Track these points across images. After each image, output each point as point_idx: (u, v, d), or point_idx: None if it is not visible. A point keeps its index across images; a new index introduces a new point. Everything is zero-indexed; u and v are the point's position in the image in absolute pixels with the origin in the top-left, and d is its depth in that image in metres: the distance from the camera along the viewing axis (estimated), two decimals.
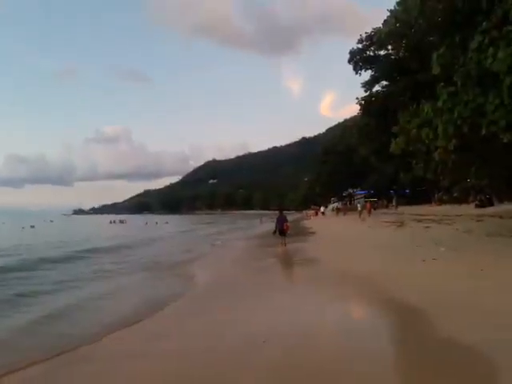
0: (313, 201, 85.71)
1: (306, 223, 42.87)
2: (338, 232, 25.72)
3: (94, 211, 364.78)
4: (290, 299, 7.91)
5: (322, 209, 61.09)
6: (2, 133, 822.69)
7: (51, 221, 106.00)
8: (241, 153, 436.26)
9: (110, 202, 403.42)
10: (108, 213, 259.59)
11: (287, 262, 14.52)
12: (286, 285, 10.10)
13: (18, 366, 5.16)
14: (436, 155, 12.86)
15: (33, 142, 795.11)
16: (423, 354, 4.39)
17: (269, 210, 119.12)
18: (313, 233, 27.34)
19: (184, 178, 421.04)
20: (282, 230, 17.93)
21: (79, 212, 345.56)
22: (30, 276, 13.75)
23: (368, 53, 29.96)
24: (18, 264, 16.00)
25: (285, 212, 21.31)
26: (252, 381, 4.10)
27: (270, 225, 23.33)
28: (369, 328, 5.76)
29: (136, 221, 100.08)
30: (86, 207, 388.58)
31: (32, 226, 66.33)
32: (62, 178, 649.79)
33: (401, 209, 42.22)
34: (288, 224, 18.35)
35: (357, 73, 30.43)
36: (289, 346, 5.01)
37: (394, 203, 46.38)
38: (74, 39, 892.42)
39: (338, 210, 57.89)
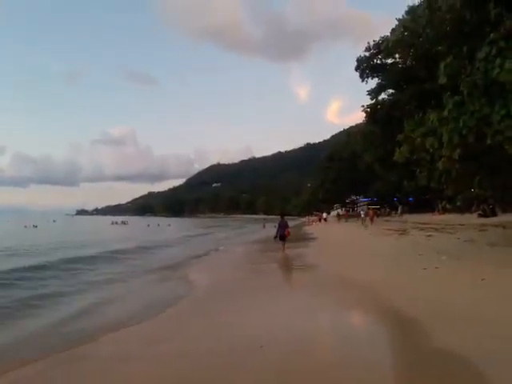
0: (315, 207, 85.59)
1: (308, 229, 42.84)
2: (339, 238, 25.69)
3: (98, 212, 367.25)
4: (288, 305, 7.89)
5: (324, 215, 60.99)
6: (9, 133, 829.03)
7: (54, 221, 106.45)
8: (245, 157, 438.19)
9: (113, 204, 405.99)
10: (111, 214, 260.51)
11: (288, 267, 14.49)
12: (285, 290, 10.04)
13: (16, 364, 5.21)
14: (440, 164, 12.84)
15: (39, 143, 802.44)
16: (419, 364, 4.37)
17: (273, 214, 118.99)
18: (314, 238, 27.34)
19: (188, 181, 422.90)
20: (282, 236, 17.99)
21: (82, 212, 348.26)
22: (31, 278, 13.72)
23: (375, 61, 30.04)
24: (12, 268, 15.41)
25: (287, 217, 21.32)
26: None
27: (272, 230, 23.30)
28: (366, 336, 5.73)
29: (138, 223, 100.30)
30: (90, 208, 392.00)
31: (35, 226, 66.64)
32: (67, 179, 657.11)
33: (404, 217, 42.15)
34: (289, 230, 18.42)
35: (363, 80, 30.52)
36: (287, 350, 5.00)
37: (399, 211, 46.31)
38: (80, 41, 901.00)
39: (339, 216, 57.86)
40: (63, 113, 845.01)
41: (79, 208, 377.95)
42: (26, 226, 65.15)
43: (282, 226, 18.19)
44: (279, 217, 19.68)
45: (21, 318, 8.31)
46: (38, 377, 4.85)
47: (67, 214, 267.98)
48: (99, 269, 15.94)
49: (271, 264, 14.94)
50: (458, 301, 6.96)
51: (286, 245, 18.21)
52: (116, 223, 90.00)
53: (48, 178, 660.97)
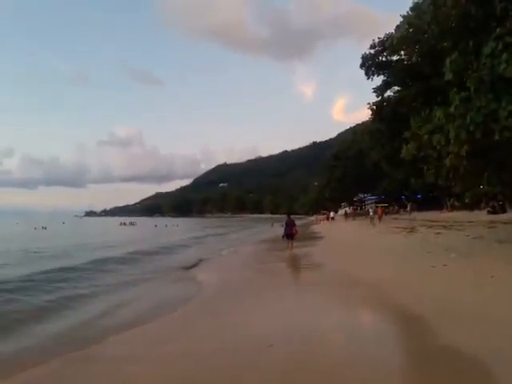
0: (323, 205, 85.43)
1: (315, 228, 42.78)
2: (346, 237, 25.62)
3: (106, 213, 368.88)
4: (294, 304, 7.90)
5: (331, 214, 60.74)
6: (17, 135, 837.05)
7: (63, 222, 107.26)
8: (252, 156, 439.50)
9: (121, 204, 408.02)
10: (119, 215, 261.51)
11: (295, 266, 14.50)
12: (291, 290, 10.04)
13: (26, 365, 5.33)
14: (448, 161, 12.76)
15: (46, 144, 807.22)
16: (424, 362, 4.36)
17: (280, 213, 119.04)
18: (321, 237, 27.30)
19: (195, 181, 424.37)
20: (290, 234, 18.11)
21: (91, 214, 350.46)
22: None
23: (380, 58, 29.89)
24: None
25: (295, 216, 21.37)
26: None
27: (280, 229, 23.28)
28: (372, 335, 5.71)
29: (146, 223, 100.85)
30: (98, 209, 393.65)
31: (44, 228, 67.19)
32: (76, 180, 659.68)
33: (413, 215, 41.93)
34: (296, 228, 18.52)
35: (369, 78, 30.39)
36: (292, 350, 5.01)
37: (408, 209, 46.07)
38: (85, 41, 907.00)
39: (346, 214, 57.60)
40: (69, 114, 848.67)
41: (87, 209, 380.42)
42: (35, 228, 65.71)
43: (289, 225, 18.33)
44: (286, 216, 19.78)
45: (46, 319, 8.41)
46: (48, 377, 4.94)
47: (76, 216, 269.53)
48: (117, 271, 15.89)
49: (279, 263, 14.96)
50: (467, 298, 6.90)
51: (294, 244, 18.28)
52: (124, 224, 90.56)
53: (56, 180, 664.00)
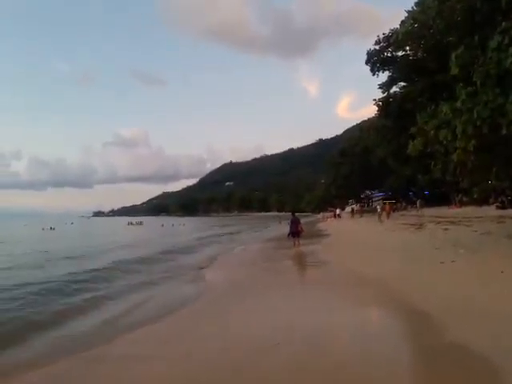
0: (330, 203, 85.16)
1: (322, 225, 42.65)
2: (353, 234, 25.51)
3: (113, 213, 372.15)
4: (299, 303, 7.90)
5: (337, 211, 60.35)
6: (25, 138, 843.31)
7: (72, 223, 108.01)
8: (257, 155, 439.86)
9: (128, 205, 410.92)
10: (127, 215, 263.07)
11: (301, 264, 14.50)
12: (296, 289, 9.98)
13: (36, 365, 5.38)
14: (455, 156, 12.67)
15: (53, 146, 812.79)
16: (432, 360, 4.33)
17: (286, 211, 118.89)
18: (328, 235, 27.25)
19: (201, 180, 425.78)
20: (295, 232, 18.24)
21: (99, 214, 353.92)
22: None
23: (385, 54, 29.78)
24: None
25: (301, 214, 21.47)
26: None
27: (287, 227, 23.28)
28: (379, 334, 5.70)
29: (153, 223, 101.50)
30: (106, 209, 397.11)
31: (52, 228, 67.69)
32: (83, 181, 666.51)
33: (421, 211, 41.65)
34: (302, 226, 18.67)
35: (374, 74, 30.31)
36: (294, 350, 5.01)
37: (417, 205, 45.76)
38: (90, 42, 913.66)
39: (352, 212, 57.24)
40: (74, 116, 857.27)
41: (95, 210, 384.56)
42: (43, 229, 66.27)
43: (294, 223, 18.52)
44: (291, 214, 19.95)
45: (66, 321, 8.42)
46: (56, 377, 5.00)
47: (83, 216, 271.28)
48: (134, 272, 15.66)
49: (285, 261, 14.96)
50: (475, 295, 6.84)
51: (301, 242, 18.36)
52: (132, 224, 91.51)
53: (63, 181, 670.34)
